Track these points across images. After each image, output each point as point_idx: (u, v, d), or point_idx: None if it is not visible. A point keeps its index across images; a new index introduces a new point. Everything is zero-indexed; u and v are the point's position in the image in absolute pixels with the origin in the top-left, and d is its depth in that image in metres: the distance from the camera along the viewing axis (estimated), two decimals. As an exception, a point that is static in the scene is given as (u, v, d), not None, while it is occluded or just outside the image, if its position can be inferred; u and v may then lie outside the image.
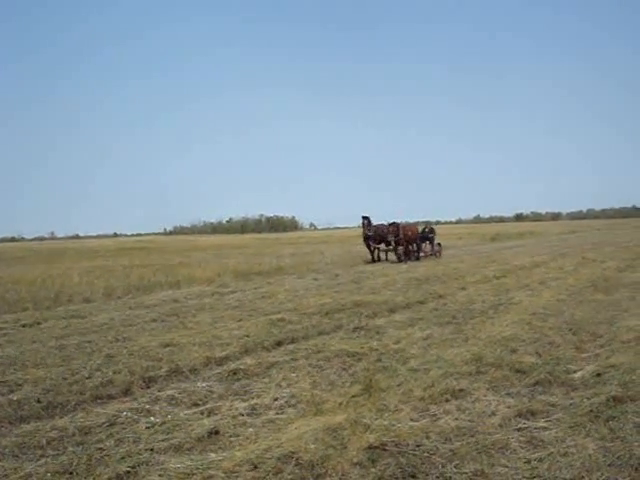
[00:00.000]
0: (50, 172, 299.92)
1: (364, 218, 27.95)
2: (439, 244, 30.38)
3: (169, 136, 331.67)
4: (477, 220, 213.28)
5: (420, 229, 29.88)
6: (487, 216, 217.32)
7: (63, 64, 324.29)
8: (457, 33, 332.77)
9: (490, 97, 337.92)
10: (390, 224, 26.96)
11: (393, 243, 27.04)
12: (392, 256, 28.01)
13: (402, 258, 26.91)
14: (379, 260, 27.78)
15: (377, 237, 27.45)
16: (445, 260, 26.75)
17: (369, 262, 26.84)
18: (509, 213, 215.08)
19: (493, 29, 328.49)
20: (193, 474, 4.35)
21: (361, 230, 28.83)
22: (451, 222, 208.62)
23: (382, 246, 27.92)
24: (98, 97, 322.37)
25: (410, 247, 27.80)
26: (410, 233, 27.43)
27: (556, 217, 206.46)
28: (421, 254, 28.76)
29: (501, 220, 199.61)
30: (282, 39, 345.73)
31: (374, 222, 27.88)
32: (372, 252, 27.78)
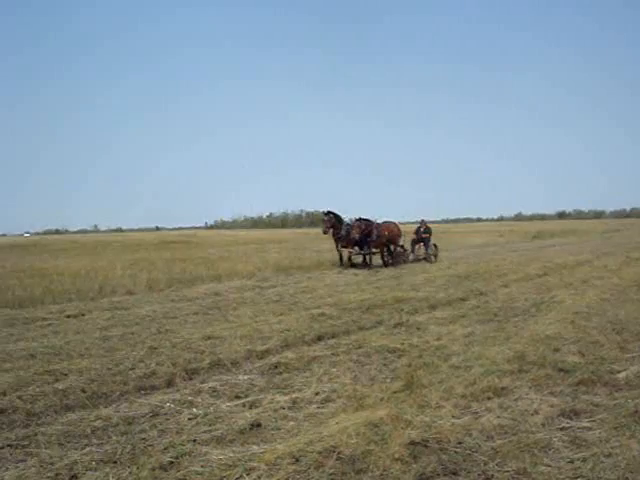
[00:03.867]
0: (95, 168, 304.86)
1: (328, 214, 22.84)
2: (435, 246, 25.74)
3: (208, 131, 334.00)
4: (519, 217, 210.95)
5: (412, 229, 26.20)
6: (529, 214, 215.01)
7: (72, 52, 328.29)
8: (464, 27, 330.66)
9: (532, 94, 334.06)
10: (356, 220, 22.35)
11: (359, 245, 22.60)
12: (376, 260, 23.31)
13: (388, 262, 23.19)
14: (351, 265, 22.60)
15: (349, 238, 22.28)
16: (487, 257, 26.41)
17: (339, 266, 22.21)
18: (551, 211, 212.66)
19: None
20: (235, 466, 4.38)
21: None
22: (492, 219, 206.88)
23: (357, 249, 23.05)
24: (128, 89, 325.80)
25: (392, 249, 23.65)
26: (387, 233, 22.92)
27: (599, 215, 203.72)
28: (411, 257, 24.67)
29: (543, 218, 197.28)
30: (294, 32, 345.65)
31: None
32: (341, 255, 22.86)
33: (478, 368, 6.91)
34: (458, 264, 22.41)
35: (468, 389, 6.12)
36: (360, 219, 22.42)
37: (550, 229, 67.74)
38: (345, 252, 22.89)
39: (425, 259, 24.85)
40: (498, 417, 5.32)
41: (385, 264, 23.13)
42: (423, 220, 26.15)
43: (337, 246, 22.95)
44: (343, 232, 22.33)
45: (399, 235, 24.03)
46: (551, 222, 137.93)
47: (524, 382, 6.41)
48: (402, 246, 24.56)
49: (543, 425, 5.14)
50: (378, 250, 23.13)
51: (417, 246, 25.45)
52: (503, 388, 6.18)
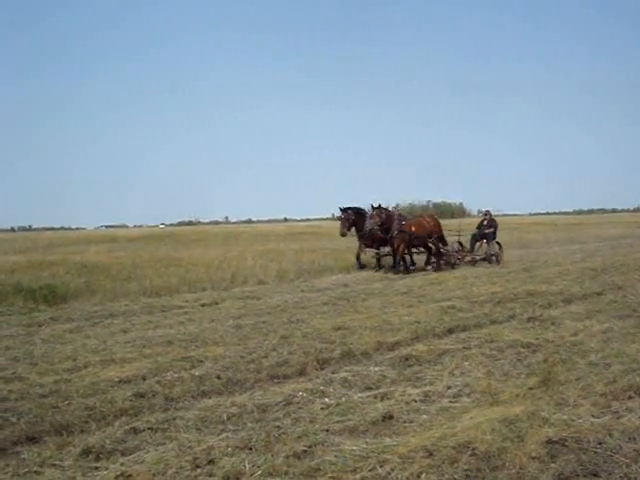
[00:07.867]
0: (222, 163, 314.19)
1: (345, 211, 19.20)
2: (499, 244, 20.66)
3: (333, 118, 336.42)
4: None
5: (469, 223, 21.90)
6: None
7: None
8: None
9: None
10: (375, 209, 18.22)
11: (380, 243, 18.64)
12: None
13: (398, 266, 18.08)
14: (381, 267, 18.92)
15: (370, 236, 18.87)
16: (623, 250, 25.26)
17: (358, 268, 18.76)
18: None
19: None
20: (368, 457, 4.37)
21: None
22: (628, 210, 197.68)
23: (385, 249, 19.21)
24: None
25: (432, 248, 19.38)
26: (415, 229, 18.37)
27: None
28: (467, 258, 20.05)
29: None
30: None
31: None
32: (358, 255, 19.20)
33: (618, 366, 6.64)
34: (593, 257, 21.60)
35: (608, 387, 5.88)
36: (379, 207, 18.18)
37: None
38: (370, 252, 19.47)
39: (485, 259, 20.15)
40: (641, 418, 5.09)
41: (432, 266, 19.11)
42: (488, 211, 21.59)
43: (360, 245, 19.30)
44: (367, 228, 18.80)
45: (434, 232, 19.27)
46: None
47: (668, 382, 6.10)
48: (460, 244, 20.55)
49: (690, 428, 4.88)
50: (399, 249, 18.12)
51: (478, 244, 20.74)
52: (645, 387, 5.91)
